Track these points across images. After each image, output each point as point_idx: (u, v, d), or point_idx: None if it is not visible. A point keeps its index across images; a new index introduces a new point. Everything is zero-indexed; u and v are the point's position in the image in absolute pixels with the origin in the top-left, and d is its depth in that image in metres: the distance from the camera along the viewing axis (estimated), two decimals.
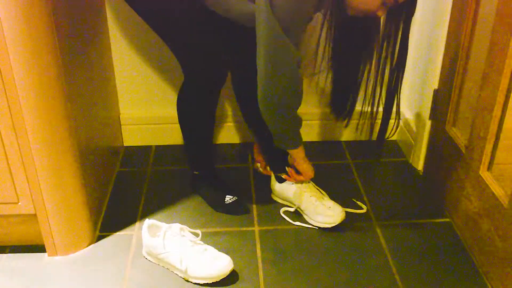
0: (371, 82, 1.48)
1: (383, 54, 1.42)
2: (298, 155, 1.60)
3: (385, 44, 1.40)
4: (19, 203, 1.43)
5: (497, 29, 1.38)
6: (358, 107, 1.59)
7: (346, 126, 1.77)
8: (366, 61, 1.46)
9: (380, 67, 1.44)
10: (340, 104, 1.61)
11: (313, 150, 2.04)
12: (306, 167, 1.63)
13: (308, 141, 2.01)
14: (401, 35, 1.37)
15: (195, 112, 1.64)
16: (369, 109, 1.56)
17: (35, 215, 1.46)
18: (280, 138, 1.53)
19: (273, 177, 1.75)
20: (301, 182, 1.68)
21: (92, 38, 1.67)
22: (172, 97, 1.99)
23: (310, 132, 2.10)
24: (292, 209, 1.69)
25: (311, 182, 1.69)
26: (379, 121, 1.58)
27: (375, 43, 1.42)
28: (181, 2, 1.42)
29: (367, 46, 1.44)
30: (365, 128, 1.63)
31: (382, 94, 1.52)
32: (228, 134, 2.10)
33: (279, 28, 1.25)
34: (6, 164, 1.36)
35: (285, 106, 1.41)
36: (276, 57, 1.30)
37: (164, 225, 1.49)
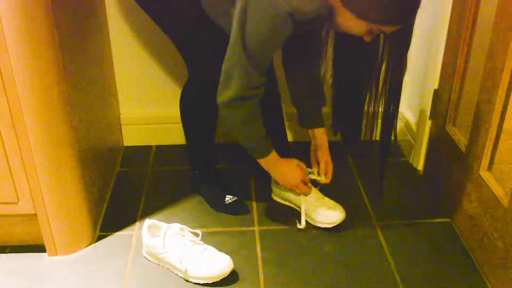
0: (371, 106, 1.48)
1: (380, 84, 1.43)
2: (266, 167, 1.53)
3: (382, 72, 1.40)
4: (19, 203, 1.43)
5: (497, 29, 1.38)
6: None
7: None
8: (366, 84, 1.46)
9: (379, 95, 1.44)
10: (343, 126, 1.61)
11: None
12: (278, 177, 1.57)
13: (307, 141, 2.01)
14: (395, 69, 1.36)
15: (197, 110, 1.64)
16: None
17: (35, 215, 1.46)
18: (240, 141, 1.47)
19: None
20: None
21: (92, 38, 1.67)
22: (172, 97, 1.99)
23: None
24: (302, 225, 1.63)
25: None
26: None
27: (375, 68, 1.41)
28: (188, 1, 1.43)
29: (367, 68, 1.43)
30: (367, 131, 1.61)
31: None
32: (229, 134, 2.10)
33: (243, 53, 1.27)
34: (6, 164, 1.36)
35: (235, 117, 1.39)
36: (230, 76, 1.32)
37: (164, 225, 1.49)
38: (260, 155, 1.49)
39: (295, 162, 1.58)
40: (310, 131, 1.65)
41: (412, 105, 1.99)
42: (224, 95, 1.35)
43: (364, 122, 1.57)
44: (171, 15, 1.46)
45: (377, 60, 1.39)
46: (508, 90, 1.37)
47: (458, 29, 1.61)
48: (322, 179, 1.62)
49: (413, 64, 1.96)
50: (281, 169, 1.55)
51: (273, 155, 1.51)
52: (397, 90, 1.41)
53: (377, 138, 1.57)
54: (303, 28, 1.28)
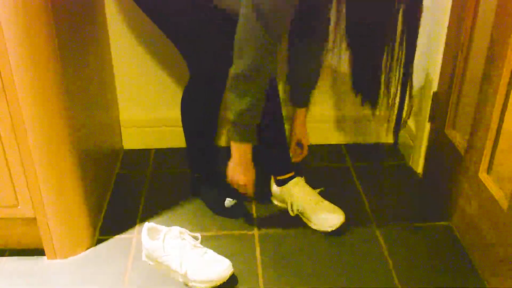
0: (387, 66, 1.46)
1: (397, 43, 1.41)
2: (236, 153, 1.50)
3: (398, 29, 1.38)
4: (19, 207, 1.43)
5: (497, 31, 1.38)
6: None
7: (375, 108, 1.61)
8: (381, 42, 1.43)
9: (396, 51, 1.43)
10: (363, 86, 1.58)
11: (312, 153, 2.04)
12: (235, 169, 1.52)
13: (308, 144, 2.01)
14: (410, 21, 1.35)
15: (198, 111, 1.64)
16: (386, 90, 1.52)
17: (34, 218, 1.46)
18: (235, 121, 1.43)
19: (272, 180, 1.75)
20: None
21: (91, 40, 1.67)
22: (172, 99, 1.99)
23: (310, 134, 2.10)
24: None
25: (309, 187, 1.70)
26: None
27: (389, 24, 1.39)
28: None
29: (381, 26, 1.40)
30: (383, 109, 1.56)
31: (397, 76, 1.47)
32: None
33: (256, 17, 1.25)
34: (6, 167, 1.36)
35: (244, 96, 1.37)
36: (245, 43, 1.31)
37: (163, 228, 1.49)
38: (243, 139, 1.47)
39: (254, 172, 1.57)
40: (296, 110, 1.78)
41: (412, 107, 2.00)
42: (238, 65, 1.34)
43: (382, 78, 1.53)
44: (170, 12, 1.46)
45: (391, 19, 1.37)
46: (507, 92, 1.37)
47: (457, 31, 1.61)
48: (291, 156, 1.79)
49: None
50: (244, 164, 1.52)
51: (250, 147, 1.49)
52: (412, 48, 1.42)
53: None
54: None
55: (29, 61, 1.25)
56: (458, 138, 1.66)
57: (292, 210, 1.68)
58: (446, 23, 1.67)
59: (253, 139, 1.48)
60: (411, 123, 2.00)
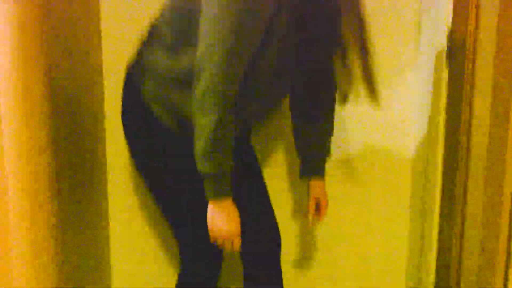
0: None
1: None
2: (213, 208, 1.29)
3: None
4: None
5: (488, 183, 1.40)
6: None
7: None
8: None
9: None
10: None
11: None
12: (212, 224, 1.31)
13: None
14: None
15: None
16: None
17: None
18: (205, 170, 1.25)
19: None
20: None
21: (90, 210, 1.70)
22: (169, 277, 1.95)
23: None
24: None
25: None
26: None
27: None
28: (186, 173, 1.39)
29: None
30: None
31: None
32: None
33: (215, 34, 1.19)
34: None
35: (208, 122, 1.21)
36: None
37: None
38: (217, 194, 1.28)
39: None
40: (309, 183, 1.59)
41: (412, 279, 1.94)
42: (197, 89, 1.22)
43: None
44: (164, 176, 1.45)
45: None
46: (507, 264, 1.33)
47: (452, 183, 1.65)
48: (310, 218, 1.62)
49: (407, 235, 1.96)
50: (225, 215, 1.31)
51: (231, 200, 1.31)
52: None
53: None
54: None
55: (28, 213, 1.24)
56: None
57: None
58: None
59: (229, 192, 1.29)
60: None
